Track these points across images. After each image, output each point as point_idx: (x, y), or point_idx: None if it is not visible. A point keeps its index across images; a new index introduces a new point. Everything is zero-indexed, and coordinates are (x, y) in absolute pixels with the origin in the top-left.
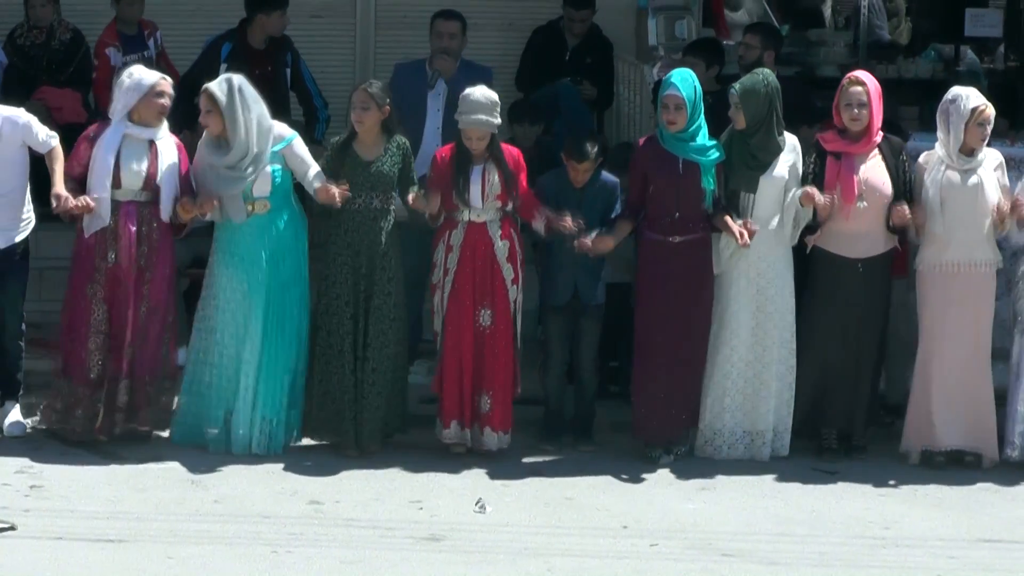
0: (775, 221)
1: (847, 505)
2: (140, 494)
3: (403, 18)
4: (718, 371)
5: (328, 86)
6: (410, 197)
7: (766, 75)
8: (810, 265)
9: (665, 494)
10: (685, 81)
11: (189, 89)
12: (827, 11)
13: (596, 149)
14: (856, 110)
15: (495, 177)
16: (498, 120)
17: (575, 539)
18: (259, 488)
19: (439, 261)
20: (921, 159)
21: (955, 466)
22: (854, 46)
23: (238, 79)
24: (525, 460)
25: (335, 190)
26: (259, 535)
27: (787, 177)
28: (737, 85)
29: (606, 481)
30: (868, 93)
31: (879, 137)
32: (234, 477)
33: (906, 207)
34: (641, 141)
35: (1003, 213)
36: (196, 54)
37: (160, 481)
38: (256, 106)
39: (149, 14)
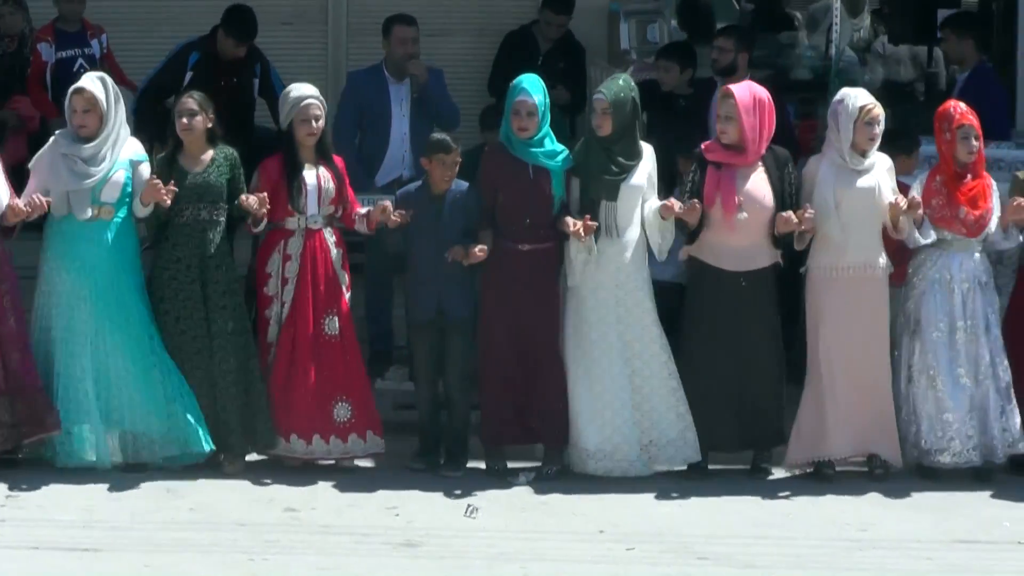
0: (635, 230)
1: (823, 508)
2: (115, 503)
3: (375, 25)
4: (592, 388)
5: None
6: (242, 198)
7: (629, 82)
8: (688, 278)
9: (640, 498)
10: (535, 86)
11: (154, 96)
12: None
13: (459, 146)
14: (723, 123)
15: (330, 184)
16: (324, 106)
17: (551, 544)
18: (234, 495)
19: (274, 271)
20: (807, 167)
21: (858, 477)
22: (826, 48)
23: (107, 77)
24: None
25: (162, 187)
26: (235, 542)
27: (644, 186)
28: (606, 92)
29: (581, 486)
30: (737, 106)
31: (763, 149)
32: (209, 485)
33: (791, 213)
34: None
35: (898, 210)
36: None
37: (135, 490)
38: (121, 104)
39: (114, 22)
